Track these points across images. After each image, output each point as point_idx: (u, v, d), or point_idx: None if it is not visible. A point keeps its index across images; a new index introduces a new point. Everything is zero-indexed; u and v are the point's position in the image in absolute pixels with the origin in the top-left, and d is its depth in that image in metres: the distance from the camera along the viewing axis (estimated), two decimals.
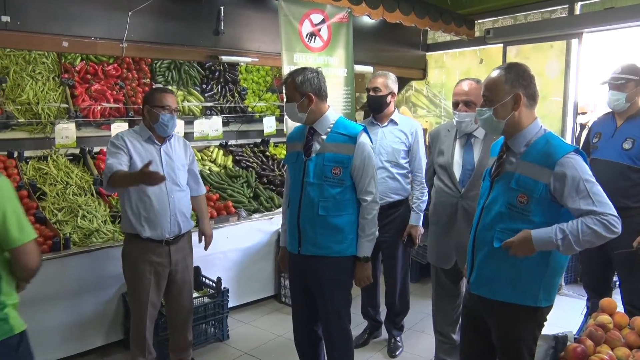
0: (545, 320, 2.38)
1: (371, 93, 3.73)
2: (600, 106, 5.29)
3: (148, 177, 2.73)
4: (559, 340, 2.26)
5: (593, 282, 3.83)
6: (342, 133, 2.81)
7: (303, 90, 2.77)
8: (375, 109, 3.76)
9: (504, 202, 2.24)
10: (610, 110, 3.67)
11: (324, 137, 2.82)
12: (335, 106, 4.62)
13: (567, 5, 5.38)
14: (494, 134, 2.42)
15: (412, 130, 3.74)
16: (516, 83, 2.22)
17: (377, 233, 2.88)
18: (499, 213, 2.25)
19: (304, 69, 2.84)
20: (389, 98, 3.72)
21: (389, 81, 3.72)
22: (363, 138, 2.80)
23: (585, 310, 4.23)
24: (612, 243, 3.41)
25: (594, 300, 2.92)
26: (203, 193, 3.63)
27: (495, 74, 2.28)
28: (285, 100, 2.88)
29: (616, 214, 2.10)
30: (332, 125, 2.83)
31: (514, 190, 2.21)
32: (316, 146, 2.83)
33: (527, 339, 2.32)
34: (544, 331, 2.36)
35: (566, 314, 4.61)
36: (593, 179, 2.13)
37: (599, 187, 2.12)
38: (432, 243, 3.32)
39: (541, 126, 2.29)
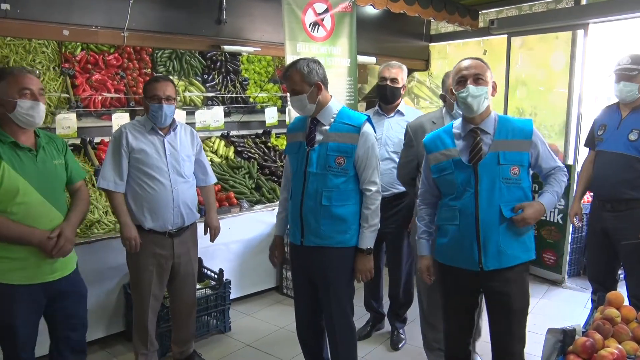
0: None
1: (388, 83, 3.70)
2: (600, 98, 5.25)
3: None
4: (567, 334, 2.23)
5: (599, 275, 3.81)
6: (346, 123, 2.77)
7: (311, 80, 2.72)
8: (389, 100, 3.75)
9: (500, 178, 2.48)
10: (616, 101, 3.64)
11: (327, 127, 2.78)
12: (339, 97, 4.58)
13: None
14: (476, 113, 2.52)
15: None
16: (491, 73, 2.58)
17: (379, 225, 2.84)
18: (498, 189, 2.48)
19: (304, 59, 2.79)
20: (402, 90, 3.74)
21: (404, 73, 3.76)
22: (367, 128, 2.77)
23: (590, 303, 4.22)
24: (619, 235, 3.44)
25: (600, 293, 2.90)
26: (211, 184, 3.57)
27: (476, 62, 2.55)
28: (291, 93, 2.80)
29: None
30: (335, 115, 2.80)
31: (504, 166, 2.48)
32: (319, 136, 2.79)
33: (528, 291, 2.67)
34: (555, 324, 2.34)
35: (569, 306, 4.61)
36: None
37: None
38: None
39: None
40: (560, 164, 2.63)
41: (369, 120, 2.80)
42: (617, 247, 3.52)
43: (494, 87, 2.59)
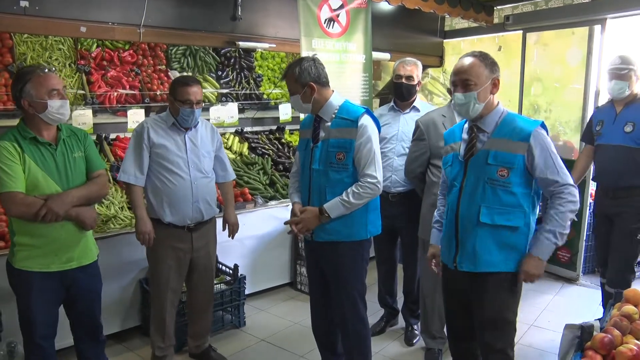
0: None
1: (403, 81, 3.71)
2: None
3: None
4: (585, 330, 2.22)
5: (604, 258, 3.97)
6: (344, 118, 2.79)
7: (303, 81, 2.76)
8: (404, 97, 3.76)
9: (485, 178, 2.38)
10: (609, 99, 3.90)
11: (329, 123, 2.82)
12: (354, 93, 4.58)
13: None
14: (469, 117, 2.48)
15: None
16: (494, 69, 2.43)
17: (351, 209, 2.75)
18: (481, 189, 2.39)
19: (300, 60, 2.83)
20: (418, 86, 3.76)
21: (419, 69, 3.77)
22: (364, 120, 2.76)
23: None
24: (618, 219, 3.72)
25: (617, 290, 2.89)
26: (230, 180, 3.59)
27: (471, 60, 2.41)
28: (289, 94, 2.87)
29: (574, 184, 2.36)
30: (336, 111, 2.82)
31: (492, 166, 2.37)
32: (322, 133, 2.84)
33: (512, 308, 2.48)
34: (570, 321, 2.33)
35: (584, 303, 4.59)
36: (556, 152, 2.37)
37: (560, 160, 2.37)
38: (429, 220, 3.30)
39: (503, 107, 2.50)
40: (566, 180, 2.33)
41: (367, 112, 2.80)
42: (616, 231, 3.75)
43: (495, 84, 2.42)
